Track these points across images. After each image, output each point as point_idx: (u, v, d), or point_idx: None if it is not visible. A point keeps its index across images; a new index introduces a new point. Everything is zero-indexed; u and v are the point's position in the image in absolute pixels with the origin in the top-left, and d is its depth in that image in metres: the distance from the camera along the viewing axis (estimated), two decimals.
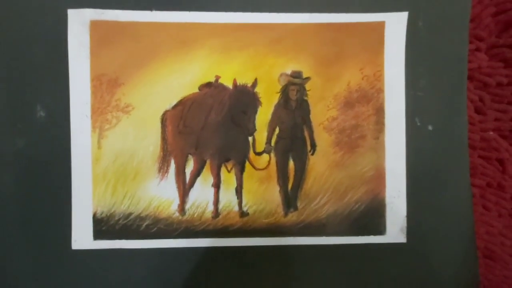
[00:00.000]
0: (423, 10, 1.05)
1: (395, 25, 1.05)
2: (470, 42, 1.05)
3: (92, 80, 1.02)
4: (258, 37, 1.04)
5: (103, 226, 1.04)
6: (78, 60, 1.02)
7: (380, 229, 1.06)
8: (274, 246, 1.06)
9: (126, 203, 1.04)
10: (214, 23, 1.03)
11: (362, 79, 1.05)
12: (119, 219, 1.04)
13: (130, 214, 1.04)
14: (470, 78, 1.06)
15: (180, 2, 1.02)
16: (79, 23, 1.01)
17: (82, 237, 1.04)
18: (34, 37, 1.01)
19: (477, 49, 1.06)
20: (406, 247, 1.07)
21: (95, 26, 1.02)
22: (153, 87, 1.03)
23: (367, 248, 1.07)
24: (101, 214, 1.04)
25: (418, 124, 1.06)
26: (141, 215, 1.04)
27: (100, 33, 1.02)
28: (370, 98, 1.06)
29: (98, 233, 1.04)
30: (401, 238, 1.07)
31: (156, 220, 1.04)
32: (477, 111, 1.07)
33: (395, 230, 1.07)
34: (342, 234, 1.06)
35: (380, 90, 1.05)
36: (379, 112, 1.06)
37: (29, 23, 1.01)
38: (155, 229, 1.04)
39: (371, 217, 1.06)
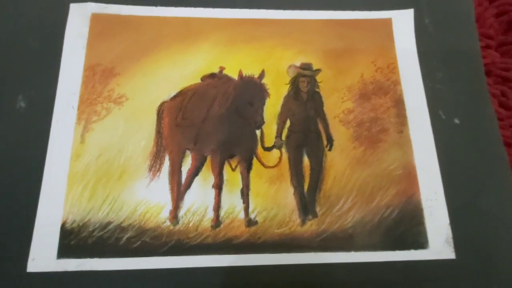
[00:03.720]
0: (428, 8, 0.68)
1: (402, 21, 0.67)
2: (479, 40, 0.64)
3: (85, 70, 0.60)
4: (264, 31, 0.64)
5: (72, 240, 0.51)
6: (73, 49, 0.60)
7: (421, 241, 0.53)
8: (290, 266, 0.53)
9: (105, 209, 0.52)
10: (219, 18, 0.63)
11: (376, 71, 0.63)
12: (93, 230, 0.52)
13: (108, 223, 0.52)
14: (488, 73, 0.65)
15: None
16: (80, 15, 0.62)
17: (43, 254, 0.50)
18: (30, 27, 0.62)
19: (487, 46, 0.66)
20: (456, 264, 0.52)
21: (96, 19, 0.62)
22: (152, 77, 0.60)
23: (407, 267, 0.53)
24: (72, 224, 0.52)
25: (443, 117, 0.61)
26: (123, 224, 0.52)
27: (101, 26, 0.62)
28: (387, 90, 0.62)
29: (64, 249, 0.51)
30: (449, 253, 0.52)
31: (141, 231, 0.52)
32: (502, 105, 0.62)
33: (439, 242, 0.54)
34: (374, 248, 0.53)
35: (397, 82, 0.62)
36: (399, 104, 0.60)
37: (28, 14, 0.63)
38: (138, 243, 0.51)
39: (408, 224, 0.54)
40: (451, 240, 0.57)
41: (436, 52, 0.68)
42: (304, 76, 0.64)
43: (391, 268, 0.56)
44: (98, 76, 0.62)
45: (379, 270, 0.55)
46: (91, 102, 0.61)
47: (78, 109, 0.61)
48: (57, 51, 0.63)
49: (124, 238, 0.55)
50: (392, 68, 0.67)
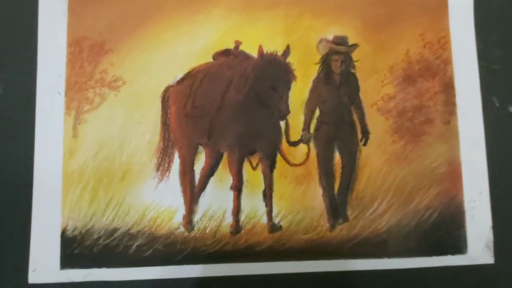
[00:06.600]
0: None
1: None
2: None
3: (70, 45, 0.45)
4: None
5: (76, 249, 0.43)
6: (52, 18, 0.45)
7: (459, 246, 0.46)
8: (318, 274, 0.46)
9: (110, 215, 0.43)
10: None
11: (424, 46, 0.48)
12: (98, 238, 0.43)
13: (115, 230, 0.43)
14: None
15: None
16: None
17: (45, 264, 0.43)
18: None
19: None
20: (494, 269, 0.44)
21: None
22: (152, 55, 0.45)
23: (443, 273, 0.45)
24: (73, 231, 0.43)
25: (497, 104, 0.48)
26: (131, 231, 0.43)
27: None
28: (435, 71, 0.48)
29: (68, 259, 0.43)
30: (487, 258, 0.45)
31: (153, 239, 0.43)
32: None
33: (479, 246, 0.46)
34: (409, 254, 0.45)
35: (448, 61, 0.48)
36: (448, 89, 0.47)
37: None
38: (150, 251, 0.43)
39: (448, 229, 0.46)
40: (491, 245, 0.49)
41: (496, 22, 0.53)
42: (338, 53, 0.50)
43: (425, 274, 0.49)
44: (85, 52, 0.48)
45: (413, 277, 0.49)
46: (80, 86, 0.48)
47: (66, 95, 0.48)
48: (32, 20, 0.48)
49: (134, 246, 0.46)
50: (443, 43, 0.52)
